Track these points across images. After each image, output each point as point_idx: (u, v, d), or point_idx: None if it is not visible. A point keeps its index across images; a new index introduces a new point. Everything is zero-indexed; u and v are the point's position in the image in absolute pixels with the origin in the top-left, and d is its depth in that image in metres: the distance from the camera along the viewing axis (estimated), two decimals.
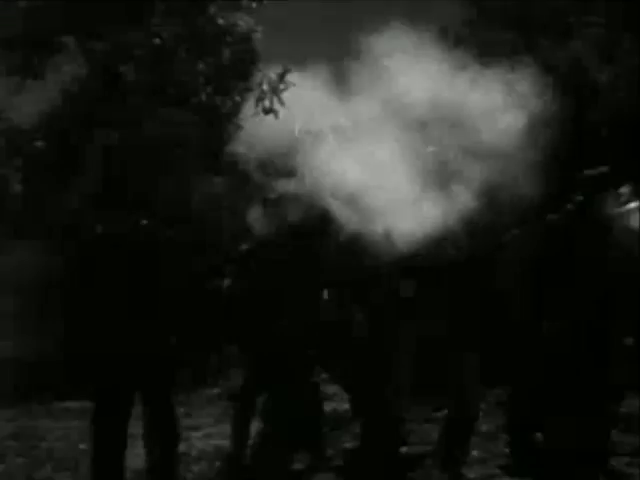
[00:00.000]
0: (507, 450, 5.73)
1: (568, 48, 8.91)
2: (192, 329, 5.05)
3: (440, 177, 4.95)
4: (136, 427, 4.82)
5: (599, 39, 9.09)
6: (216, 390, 9.38)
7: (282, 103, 6.24)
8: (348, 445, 6.27)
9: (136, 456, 4.93)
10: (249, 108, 6.71)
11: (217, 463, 6.00)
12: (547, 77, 8.27)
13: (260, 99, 6.52)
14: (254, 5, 10.55)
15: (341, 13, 16.32)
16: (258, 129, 5.84)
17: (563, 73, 8.46)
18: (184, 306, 4.85)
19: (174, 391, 4.90)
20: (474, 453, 5.73)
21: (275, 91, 6.45)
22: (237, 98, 10.12)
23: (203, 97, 10.46)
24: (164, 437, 4.75)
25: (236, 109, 9.68)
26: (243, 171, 6.08)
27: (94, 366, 4.69)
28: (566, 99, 7.99)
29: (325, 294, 5.74)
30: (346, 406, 6.61)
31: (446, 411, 5.43)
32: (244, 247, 5.94)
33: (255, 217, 5.88)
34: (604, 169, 5.09)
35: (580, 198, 5.10)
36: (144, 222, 4.74)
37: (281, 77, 6.49)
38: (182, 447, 5.13)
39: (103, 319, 4.63)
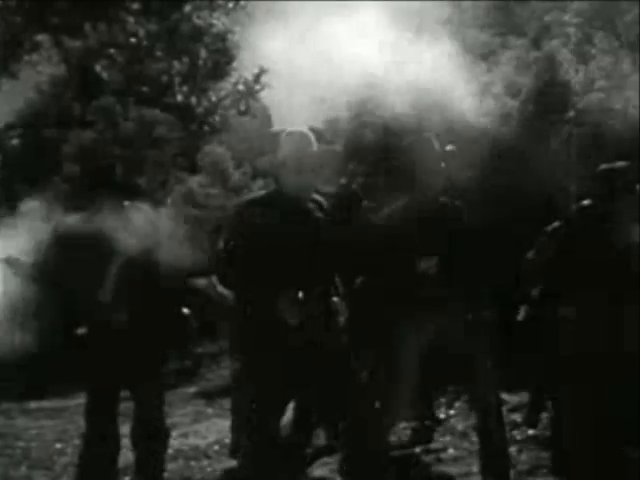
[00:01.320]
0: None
1: (544, 48, 8.94)
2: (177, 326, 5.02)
3: None
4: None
5: (575, 38, 9.14)
6: (192, 389, 9.38)
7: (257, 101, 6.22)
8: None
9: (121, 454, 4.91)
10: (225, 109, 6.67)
11: (192, 462, 6.01)
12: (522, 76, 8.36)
13: (236, 101, 6.52)
14: (230, 5, 10.51)
15: None
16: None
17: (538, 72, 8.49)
18: (172, 302, 4.82)
19: (160, 389, 4.88)
20: (450, 451, 5.77)
21: (251, 92, 6.45)
22: (213, 98, 10.08)
23: (179, 97, 10.40)
24: (152, 435, 4.74)
25: (212, 109, 9.65)
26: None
27: (86, 363, 4.68)
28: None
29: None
30: None
31: None
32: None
33: None
34: (622, 164, 4.64)
35: (587, 203, 4.74)
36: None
37: (257, 78, 6.48)
38: None
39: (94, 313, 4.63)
